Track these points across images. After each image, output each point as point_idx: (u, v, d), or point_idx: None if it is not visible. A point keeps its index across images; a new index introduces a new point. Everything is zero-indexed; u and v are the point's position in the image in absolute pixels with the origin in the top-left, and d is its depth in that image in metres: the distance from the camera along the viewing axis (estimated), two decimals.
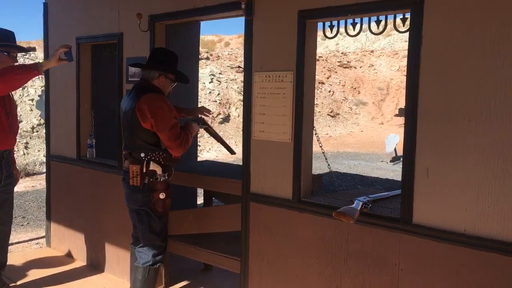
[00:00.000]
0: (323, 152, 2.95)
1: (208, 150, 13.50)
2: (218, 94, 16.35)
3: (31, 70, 3.09)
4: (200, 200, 4.56)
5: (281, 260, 2.87)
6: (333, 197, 2.81)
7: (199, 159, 11.91)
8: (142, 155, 2.91)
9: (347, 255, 2.58)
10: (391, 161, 12.32)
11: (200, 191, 4.48)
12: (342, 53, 24.99)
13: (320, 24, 2.73)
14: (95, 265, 4.19)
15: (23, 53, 12.54)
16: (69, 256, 4.46)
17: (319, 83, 20.65)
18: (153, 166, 2.92)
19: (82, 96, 4.23)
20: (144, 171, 2.90)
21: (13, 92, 3.55)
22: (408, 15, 2.33)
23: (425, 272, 2.29)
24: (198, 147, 13.93)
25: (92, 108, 4.31)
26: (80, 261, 4.34)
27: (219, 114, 15.33)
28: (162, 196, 2.92)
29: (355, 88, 21.92)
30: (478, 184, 2.10)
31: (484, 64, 2.06)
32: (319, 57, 22.92)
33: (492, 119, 2.05)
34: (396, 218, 2.38)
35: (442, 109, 2.20)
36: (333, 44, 29.15)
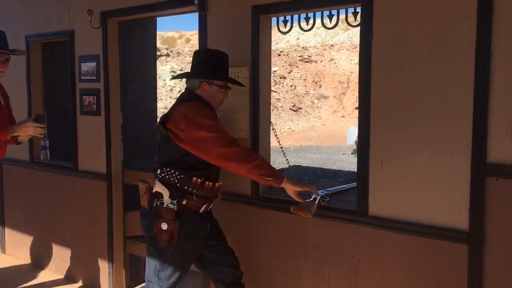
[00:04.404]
0: (281, 147, 2.95)
1: None
2: (180, 91, 16.18)
3: None
4: None
5: (240, 256, 2.86)
6: None
7: None
8: (158, 171, 2.45)
9: (306, 249, 2.60)
10: (352, 154, 12.55)
11: None
12: (303, 47, 25.23)
13: (274, 20, 2.73)
14: (52, 270, 4.07)
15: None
16: (25, 262, 4.31)
17: (281, 77, 20.78)
18: (158, 188, 2.40)
19: (34, 95, 4.08)
20: (154, 191, 2.43)
21: None
22: (359, 9, 2.36)
23: (381, 262, 2.34)
24: None
25: (46, 108, 4.17)
26: (36, 267, 4.20)
27: None
28: (163, 226, 2.35)
29: (316, 82, 22.17)
30: (429, 174, 2.15)
31: (433, 57, 2.11)
32: (280, 51, 23.06)
33: (441, 111, 2.10)
34: (353, 211, 2.41)
35: (394, 102, 2.23)
36: (294, 39, 29.37)
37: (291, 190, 2.36)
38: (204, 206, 2.46)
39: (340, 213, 2.46)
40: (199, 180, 2.38)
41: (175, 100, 2.59)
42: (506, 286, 2.01)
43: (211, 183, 2.43)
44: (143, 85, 4.44)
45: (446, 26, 2.07)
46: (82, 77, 3.59)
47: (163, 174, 2.41)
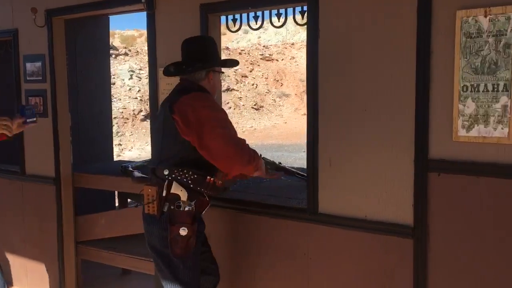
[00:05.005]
0: None
1: (130, 149, 13.13)
2: (139, 90, 15.92)
3: None
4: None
5: None
6: (246, 192, 2.81)
7: (120, 158, 11.43)
8: (166, 172, 2.19)
9: (259, 248, 2.60)
10: None
11: None
12: (264, 46, 25.30)
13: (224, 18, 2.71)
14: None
15: None
16: None
17: (242, 76, 20.77)
18: (175, 189, 2.18)
19: None
20: (164, 194, 2.19)
21: None
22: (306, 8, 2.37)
23: (332, 259, 2.36)
24: (119, 146, 13.50)
25: None
26: None
27: (141, 111, 14.94)
28: (183, 232, 2.15)
29: (277, 81, 22.28)
30: (376, 171, 2.18)
31: (377, 57, 2.14)
32: (242, 50, 23.05)
33: (384, 109, 2.14)
34: (304, 209, 2.42)
35: (340, 101, 2.26)
36: (255, 38, 29.40)
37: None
38: (208, 206, 2.35)
39: (291, 211, 2.47)
40: (212, 179, 2.23)
41: (172, 91, 2.34)
42: (449, 277, 2.07)
43: (220, 182, 2.27)
44: (96, 84, 4.33)
45: (388, 25, 2.10)
46: (28, 78, 3.47)
47: (173, 175, 2.19)
